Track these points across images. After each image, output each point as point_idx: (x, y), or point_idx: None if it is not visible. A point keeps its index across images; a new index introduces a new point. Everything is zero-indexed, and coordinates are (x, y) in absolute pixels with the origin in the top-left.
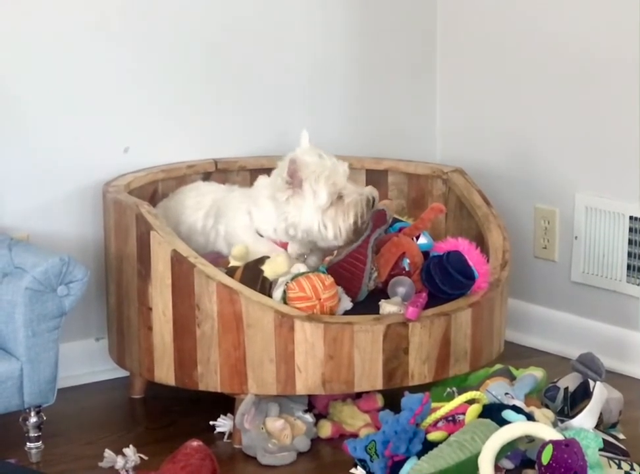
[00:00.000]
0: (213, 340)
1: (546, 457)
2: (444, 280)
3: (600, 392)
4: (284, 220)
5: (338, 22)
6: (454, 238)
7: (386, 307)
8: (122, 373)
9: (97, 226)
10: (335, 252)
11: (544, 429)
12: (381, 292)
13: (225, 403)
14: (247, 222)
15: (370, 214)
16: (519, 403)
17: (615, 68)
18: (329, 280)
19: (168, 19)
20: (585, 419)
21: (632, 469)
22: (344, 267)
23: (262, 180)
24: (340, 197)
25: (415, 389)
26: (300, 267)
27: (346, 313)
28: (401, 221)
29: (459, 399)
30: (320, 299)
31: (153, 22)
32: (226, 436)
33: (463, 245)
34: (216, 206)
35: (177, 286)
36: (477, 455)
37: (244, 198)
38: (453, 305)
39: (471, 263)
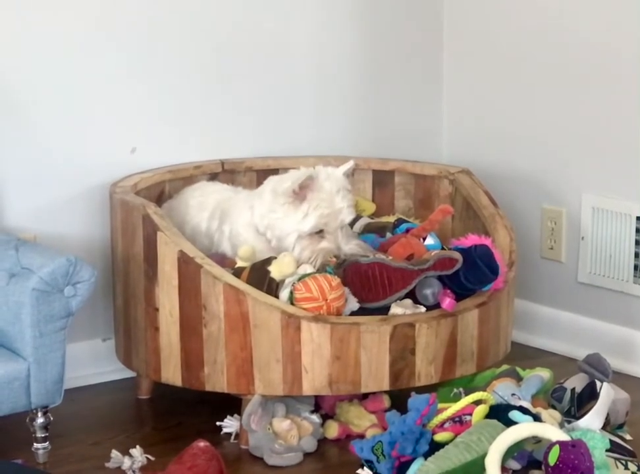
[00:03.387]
0: (220, 340)
1: (552, 458)
2: (468, 273)
3: (606, 392)
4: (267, 217)
5: (345, 23)
6: (477, 235)
7: (397, 309)
8: (128, 374)
9: (104, 226)
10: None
11: (550, 430)
12: None
13: (232, 404)
14: (248, 218)
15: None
16: (526, 404)
17: (623, 69)
18: (336, 281)
19: (176, 22)
20: (592, 420)
21: (639, 469)
22: (371, 273)
23: (274, 177)
24: (322, 235)
25: (421, 390)
26: (307, 268)
27: (353, 313)
28: (408, 222)
29: (466, 400)
30: (327, 300)
31: (161, 24)
32: (232, 437)
33: (487, 243)
34: (221, 207)
35: (184, 287)
36: (483, 456)
37: (250, 196)
38: (460, 306)
39: (497, 258)
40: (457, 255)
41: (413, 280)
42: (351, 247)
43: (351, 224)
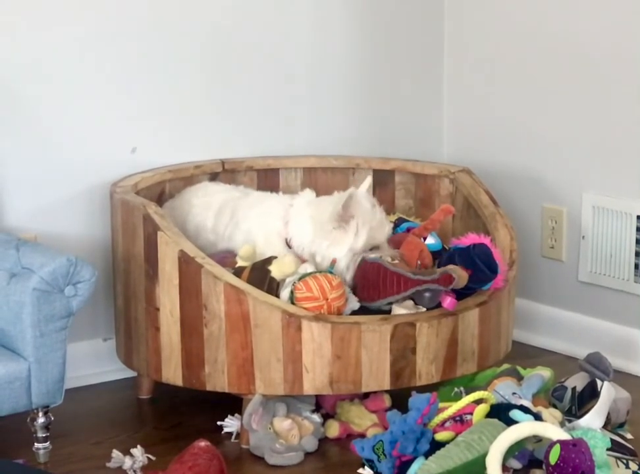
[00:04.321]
0: (221, 340)
1: (553, 457)
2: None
3: (607, 391)
4: (318, 246)
5: (345, 23)
6: (477, 234)
7: (398, 310)
8: (129, 373)
9: (105, 226)
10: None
11: (551, 429)
12: None
13: (233, 404)
14: (280, 229)
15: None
16: (527, 403)
17: (624, 68)
18: (336, 280)
19: (177, 22)
20: (593, 419)
21: None
22: (370, 272)
23: (309, 194)
24: (372, 249)
25: (422, 389)
26: (307, 267)
27: (354, 313)
28: (409, 221)
29: (467, 399)
30: (327, 299)
31: (161, 24)
32: (233, 436)
33: (486, 242)
34: (230, 205)
35: (184, 286)
36: (484, 455)
37: (281, 204)
38: (460, 305)
39: (496, 257)
40: (462, 281)
41: (410, 287)
42: (399, 254)
43: None
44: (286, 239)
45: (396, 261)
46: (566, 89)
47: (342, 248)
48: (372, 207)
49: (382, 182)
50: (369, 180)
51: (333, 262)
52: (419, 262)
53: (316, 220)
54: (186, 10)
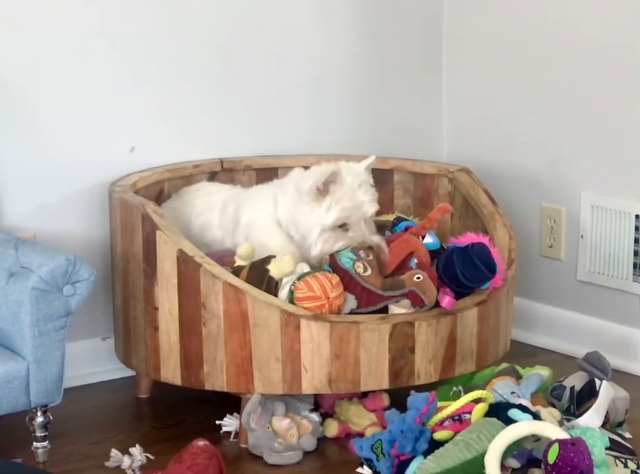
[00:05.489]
0: (219, 339)
1: (552, 456)
2: (466, 271)
3: (606, 390)
4: (290, 214)
5: (344, 22)
6: (475, 234)
7: (395, 309)
8: (128, 373)
9: (103, 225)
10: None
11: (550, 428)
12: None
13: (231, 403)
14: (271, 210)
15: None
16: (526, 402)
17: (622, 67)
18: (335, 278)
19: (176, 21)
20: (591, 418)
21: (638, 468)
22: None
23: (297, 171)
24: (345, 228)
25: (421, 388)
26: (304, 267)
27: (353, 312)
28: (407, 220)
29: (466, 398)
30: (329, 298)
31: (159, 23)
32: (232, 436)
33: (484, 241)
34: (233, 200)
35: (183, 286)
36: (483, 455)
37: (273, 188)
38: (459, 304)
39: (494, 256)
40: (430, 299)
41: (379, 302)
42: (377, 238)
43: None
44: (278, 220)
45: (368, 273)
46: (566, 89)
47: (311, 220)
48: (358, 186)
49: (381, 181)
50: (372, 158)
51: (326, 261)
52: (414, 260)
53: (297, 190)
54: (185, 10)
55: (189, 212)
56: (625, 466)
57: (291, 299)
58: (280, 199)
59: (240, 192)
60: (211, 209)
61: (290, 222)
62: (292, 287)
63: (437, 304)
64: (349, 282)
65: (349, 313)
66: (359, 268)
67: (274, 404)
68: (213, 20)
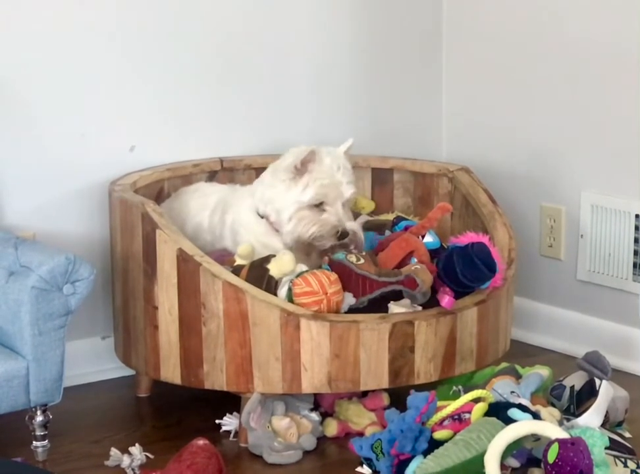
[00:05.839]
0: (219, 338)
1: (552, 456)
2: (465, 270)
3: (606, 390)
4: (267, 193)
5: (343, 21)
6: (475, 233)
7: (395, 308)
8: (128, 372)
9: (103, 224)
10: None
11: (550, 428)
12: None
13: (231, 402)
14: (250, 203)
15: (331, 240)
16: (525, 401)
17: (622, 67)
18: (334, 275)
19: (175, 20)
20: (591, 418)
21: (638, 467)
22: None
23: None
24: (322, 208)
25: (420, 387)
26: (303, 267)
27: (352, 311)
28: (407, 219)
29: (465, 398)
30: (327, 294)
31: (160, 23)
32: (232, 435)
33: (484, 240)
34: (222, 202)
35: (183, 285)
36: (482, 454)
37: (252, 186)
38: (459, 304)
39: (494, 255)
40: (426, 284)
41: (375, 289)
42: (352, 224)
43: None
44: (256, 210)
45: (361, 262)
46: (565, 88)
47: (288, 197)
48: (337, 169)
49: (381, 180)
50: (350, 142)
51: (325, 261)
52: (414, 259)
53: (274, 169)
54: (184, 9)
55: (185, 214)
56: (625, 465)
57: (290, 297)
58: (258, 188)
59: (231, 192)
60: (203, 211)
61: (267, 203)
62: (290, 283)
63: (437, 303)
64: (343, 271)
65: (349, 310)
66: (352, 257)
67: (274, 403)
68: (213, 19)
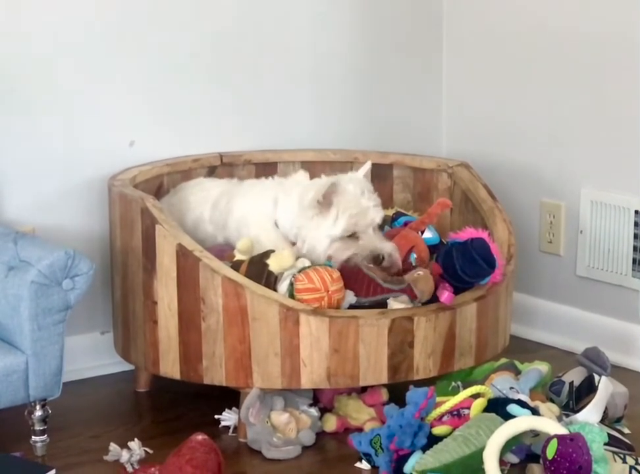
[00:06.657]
0: (218, 333)
1: (551, 452)
2: (465, 266)
3: (605, 386)
4: (296, 229)
5: (343, 16)
6: (474, 229)
7: (394, 304)
8: (127, 367)
9: (103, 219)
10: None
11: (549, 423)
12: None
13: (230, 397)
14: (270, 209)
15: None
16: (524, 397)
17: (621, 64)
18: (336, 273)
19: (175, 15)
20: (590, 414)
21: (637, 463)
22: (348, 270)
23: (301, 176)
24: (355, 237)
25: (420, 383)
26: (305, 261)
27: (352, 306)
28: (407, 215)
29: (464, 394)
30: (328, 291)
31: (159, 17)
32: (231, 430)
33: (484, 236)
34: (226, 194)
35: (182, 280)
36: (482, 450)
37: (271, 186)
38: (458, 299)
39: (494, 251)
40: (424, 294)
41: (379, 293)
42: (387, 246)
43: None
44: (275, 221)
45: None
46: (565, 85)
47: (319, 234)
48: (360, 194)
49: (381, 175)
50: (368, 165)
51: (329, 258)
52: (414, 255)
53: (300, 203)
54: (185, 6)
55: (185, 209)
56: (624, 461)
57: (291, 292)
58: (282, 203)
59: (235, 185)
60: (204, 204)
61: (296, 237)
62: (292, 279)
63: (436, 299)
64: (352, 268)
65: (348, 308)
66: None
67: (273, 399)
68: (213, 14)
